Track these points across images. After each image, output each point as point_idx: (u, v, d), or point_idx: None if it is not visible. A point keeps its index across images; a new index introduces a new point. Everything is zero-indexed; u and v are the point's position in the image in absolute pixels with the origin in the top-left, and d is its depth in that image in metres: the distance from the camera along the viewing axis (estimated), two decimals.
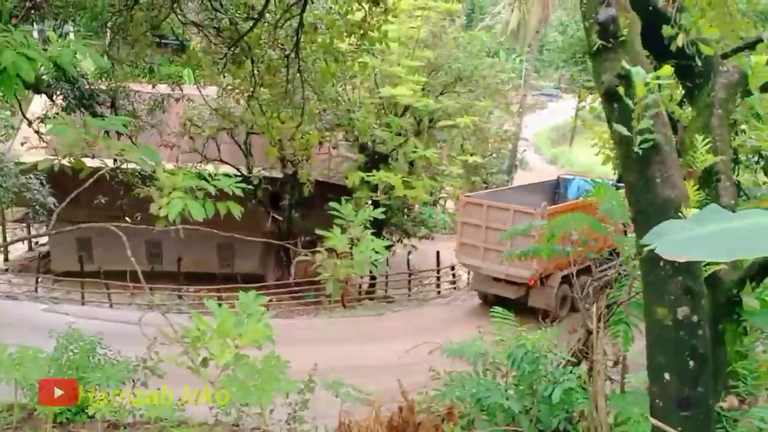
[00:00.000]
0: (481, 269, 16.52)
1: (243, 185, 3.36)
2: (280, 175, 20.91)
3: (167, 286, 18.96)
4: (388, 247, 16.36)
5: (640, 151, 3.30)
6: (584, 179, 18.74)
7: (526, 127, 38.30)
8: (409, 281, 22.24)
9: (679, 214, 3.20)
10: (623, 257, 5.05)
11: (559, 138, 53.10)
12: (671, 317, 3.26)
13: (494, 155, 31.68)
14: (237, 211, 3.18)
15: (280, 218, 20.85)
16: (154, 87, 15.23)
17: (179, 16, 9.03)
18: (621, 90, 3.34)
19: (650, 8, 4.07)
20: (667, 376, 3.29)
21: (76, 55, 3.01)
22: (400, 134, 18.10)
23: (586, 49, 3.74)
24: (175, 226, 3.02)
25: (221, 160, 20.13)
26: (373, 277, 20.57)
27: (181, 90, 16.40)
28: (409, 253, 22.86)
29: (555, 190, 20.09)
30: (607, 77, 3.44)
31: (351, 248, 3.50)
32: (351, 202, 10.74)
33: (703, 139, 4.01)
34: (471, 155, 19.98)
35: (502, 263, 15.37)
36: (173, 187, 3.00)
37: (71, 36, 9.66)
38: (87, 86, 11.30)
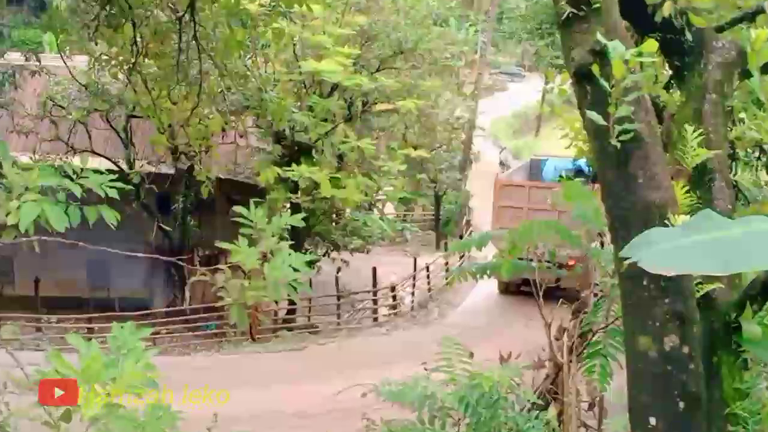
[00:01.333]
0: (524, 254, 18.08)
1: (120, 184, 3.31)
2: (171, 171, 20.53)
3: (20, 315, 18.58)
4: (311, 263, 17.14)
5: (618, 144, 3.40)
6: (560, 159, 21.01)
7: (483, 114, 39.22)
8: (339, 306, 22.53)
9: (666, 220, 3.33)
10: (598, 274, 5.27)
11: (522, 126, 54.48)
12: (657, 348, 3.40)
13: (443, 147, 32.34)
14: (112, 217, 3.08)
15: (170, 227, 20.69)
16: (3, 56, 14.75)
17: None
18: (595, 69, 3.42)
19: None
20: (652, 420, 3.40)
21: None
22: (326, 120, 18.16)
23: (554, 18, 3.85)
24: (29, 238, 2.92)
25: (93, 151, 19.66)
26: (292, 302, 20.63)
27: (39, 61, 15.97)
28: (339, 270, 23.22)
29: (530, 172, 22.87)
30: (578, 53, 3.54)
31: (262, 265, 3.48)
32: (263, 205, 10.58)
33: (694, 130, 4.12)
34: (415, 147, 20.40)
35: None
36: (26, 186, 2.89)
37: None
38: None
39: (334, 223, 22.61)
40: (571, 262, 16.21)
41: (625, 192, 3.48)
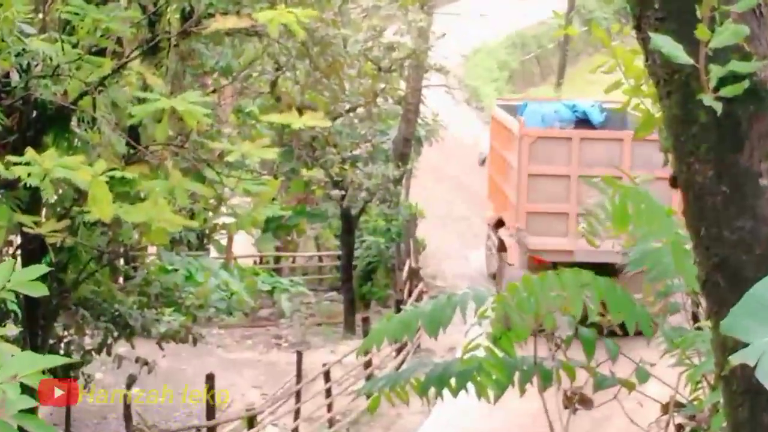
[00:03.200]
0: (575, 254, 17.21)
1: None
2: None
3: None
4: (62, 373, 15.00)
5: (719, 107, 3.00)
6: (547, 103, 22.06)
7: (445, 40, 27.12)
8: None
9: None
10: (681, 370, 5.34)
11: (526, 69, 47.97)
12: None
13: (360, 112, 23.81)
14: None
15: None
16: None
17: None
18: None
19: None
20: None
21: None
22: (100, 53, 11.72)
23: None
24: None
25: None
26: None
27: None
28: (131, 382, 17.92)
29: None
30: None
31: None
32: None
33: None
34: (299, 111, 13.06)
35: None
36: None
37: None
38: None
39: (122, 279, 17.64)
40: None
41: (732, 207, 3.17)
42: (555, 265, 20.11)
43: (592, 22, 8.03)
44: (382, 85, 22.66)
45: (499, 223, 24.39)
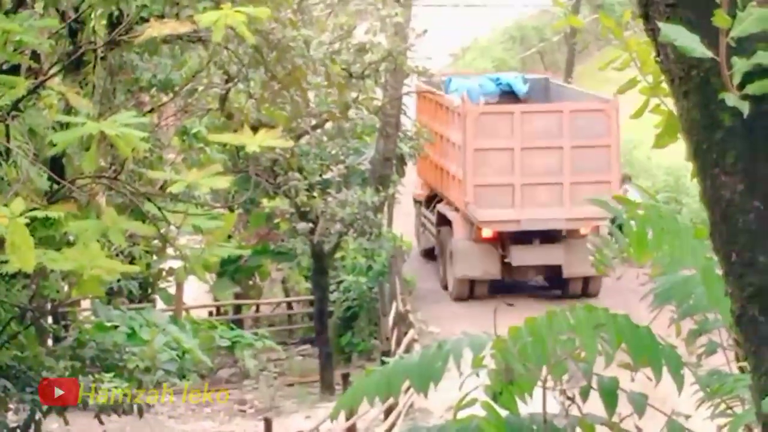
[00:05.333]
0: (521, 223, 23.56)
1: None
2: None
3: None
4: None
5: (747, 107, 3.05)
6: (470, 77, 26.69)
7: (424, 35, 26.76)
8: None
9: None
10: None
11: (526, 68, 48.76)
12: None
13: (330, 128, 23.94)
14: None
15: None
16: None
17: None
18: None
19: None
20: None
21: None
22: (13, 71, 12.02)
23: None
24: None
25: None
26: None
27: None
28: None
29: None
30: None
31: None
32: None
33: None
34: (255, 129, 13.11)
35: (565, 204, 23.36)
36: None
37: None
38: None
39: (51, 341, 17.89)
40: (581, 229, 23.79)
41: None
42: (500, 236, 25.29)
43: (600, 10, 8.23)
44: (354, 95, 22.41)
45: (431, 199, 29.02)
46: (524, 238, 25.17)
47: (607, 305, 5.28)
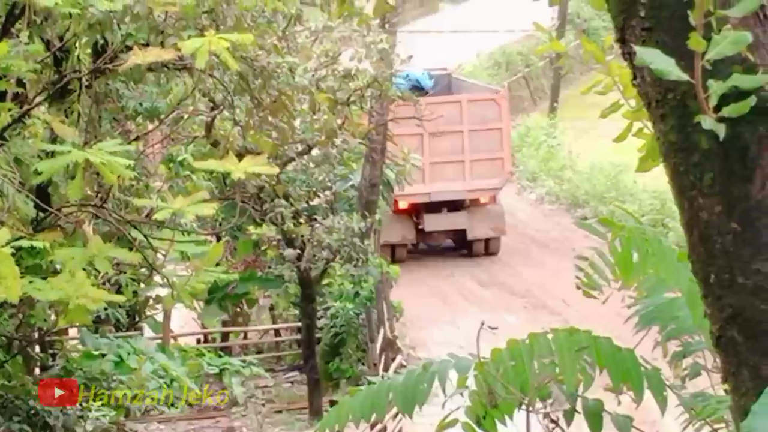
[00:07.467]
0: (431, 195, 29.43)
1: None
2: None
3: None
4: None
5: (723, 130, 3.08)
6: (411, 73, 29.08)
7: (409, 61, 26.31)
8: None
9: None
10: None
11: (512, 94, 49.03)
12: None
13: (315, 155, 23.56)
14: None
15: None
16: None
17: None
18: None
19: None
20: None
21: None
22: None
23: None
24: None
25: None
26: None
27: None
28: None
29: None
30: None
31: None
32: None
33: None
34: (240, 156, 13.14)
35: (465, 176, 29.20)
36: None
37: None
38: None
39: (38, 369, 17.84)
40: (480, 198, 31.01)
41: (746, 248, 3.17)
42: (414, 207, 32.51)
43: (582, 35, 8.15)
44: (340, 121, 22.09)
45: None
46: (434, 207, 30.70)
47: (592, 328, 5.28)
